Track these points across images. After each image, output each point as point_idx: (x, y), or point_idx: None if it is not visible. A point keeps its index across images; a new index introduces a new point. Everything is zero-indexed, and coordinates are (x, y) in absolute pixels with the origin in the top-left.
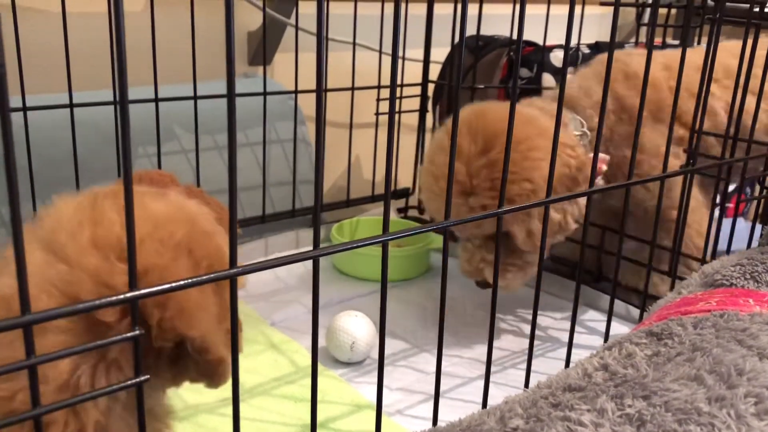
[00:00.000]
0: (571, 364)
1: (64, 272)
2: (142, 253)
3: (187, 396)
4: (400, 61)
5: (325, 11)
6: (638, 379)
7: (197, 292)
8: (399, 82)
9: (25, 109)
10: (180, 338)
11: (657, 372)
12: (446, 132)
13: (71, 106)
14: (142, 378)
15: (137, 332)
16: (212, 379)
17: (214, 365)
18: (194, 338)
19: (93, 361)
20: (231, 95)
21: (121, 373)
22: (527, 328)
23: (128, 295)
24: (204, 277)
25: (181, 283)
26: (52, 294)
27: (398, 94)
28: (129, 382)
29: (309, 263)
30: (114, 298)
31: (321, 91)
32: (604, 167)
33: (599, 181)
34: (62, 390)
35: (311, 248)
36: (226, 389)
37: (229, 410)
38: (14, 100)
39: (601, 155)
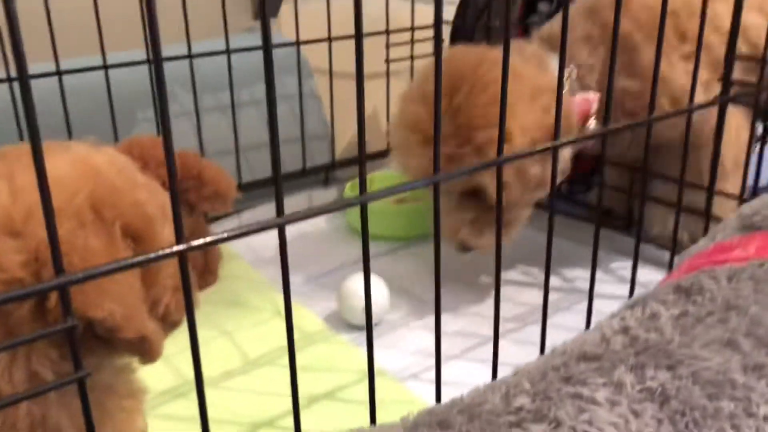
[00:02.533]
0: (598, 317)
1: None
2: (35, 225)
3: (187, 371)
4: (409, 3)
5: None
6: (662, 345)
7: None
8: (409, 25)
9: (10, 80)
10: (82, 320)
11: (684, 336)
12: (415, 82)
13: (59, 73)
14: (82, 373)
15: (71, 323)
16: (141, 357)
17: (135, 344)
18: (102, 319)
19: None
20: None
21: (44, 355)
22: (555, 281)
23: (56, 282)
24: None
25: (119, 265)
26: None
27: (409, 39)
28: (68, 379)
29: (321, 223)
30: (39, 286)
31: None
32: (595, 106)
33: (592, 123)
34: None
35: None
36: (229, 361)
37: (232, 383)
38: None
39: (588, 95)
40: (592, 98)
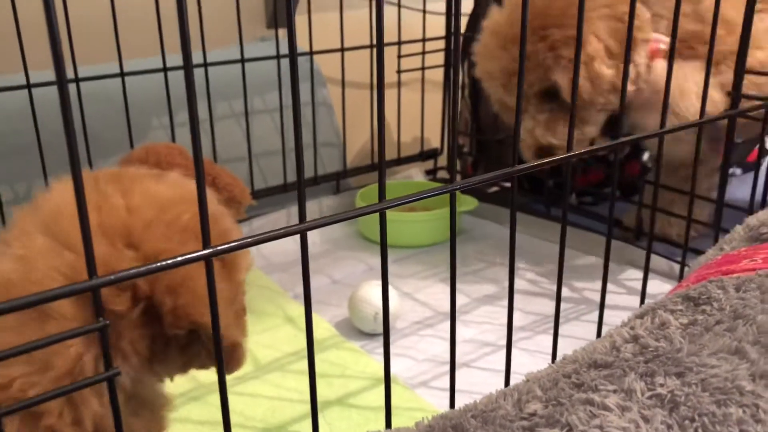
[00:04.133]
0: (607, 328)
1: (72, 260)
2: (150, 238)
3: (200, 375)
4: (421, 15)
5: None
6: (671, 354)
7: (203, 275)
8: (421, 36)
9: (29, 86)
10: (194, 326)
11: (693, 345)
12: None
13: (77, 80)
14: (113, 372)
15: (103, 323)
16: (228, 365)
17: (229, 351)
18: (208, 325)
19: (96, 351)
20: (293, 57)
21: (126, 362)
22: (565, 291)
23: (90, 283)
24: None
25: (139, 271)
26: (58, 281)
27: (421, 50)
28: (100, 376)
29: (332, 230)
30: (73, 286)
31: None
32: (662, 46)
33: (659, 63)
34: (62, 379)
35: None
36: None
37: (244, 389)
38: (18, 78)
39: (658, 36)
40: (662, 39)
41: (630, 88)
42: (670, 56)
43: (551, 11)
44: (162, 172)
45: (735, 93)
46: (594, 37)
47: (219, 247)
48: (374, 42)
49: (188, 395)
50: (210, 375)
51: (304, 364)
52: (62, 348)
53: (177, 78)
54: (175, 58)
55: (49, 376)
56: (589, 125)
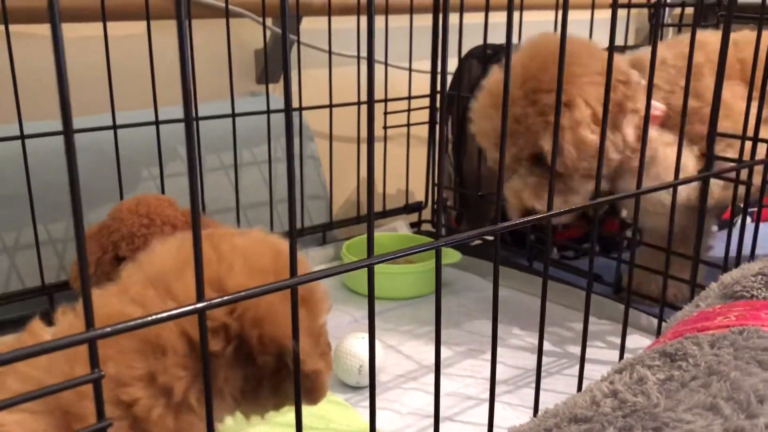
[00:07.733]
0: (587, 382)
1: (173, 306)
2: (236, 278)
3: None
4: (407, 73)
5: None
6: (649, 409)
7: (284, 307)
8: (407, 94)
9: (23, 137)
10: (280, 349)
11: (669, 400)
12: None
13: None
14: (105, 423)
15: (98, 374)
16: (311, 394)
17: (311, 377)
18: (291, 348)
19: (200, 386)
20: (288, 114)
21: (223, 401)
22: (546, 345)
23: (85, 335)
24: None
25: (144, 321)
26: (166, 326)
27: (407, 107)
28: (94, 427)
29: (323, 281)
30: (68, 339)
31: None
32: (658, 113)
33: (653, 132)
34: (178, 405)
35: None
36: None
37: None
38: (11, 128)
39: (654, 103)
40: (658, 107)
41: (615, 156)
42: (645, 123)
43: (543, 76)
44: (248, 231)
45: (708, 154)
46: (583, 103)
47: (213, 301)
48: (363, 99)
49: None
50: None
51: (290, 417)
52: (175, 380)
53: (167, 130)
54: (164, 111)
55: (163, 402)
56: (575, 194)
